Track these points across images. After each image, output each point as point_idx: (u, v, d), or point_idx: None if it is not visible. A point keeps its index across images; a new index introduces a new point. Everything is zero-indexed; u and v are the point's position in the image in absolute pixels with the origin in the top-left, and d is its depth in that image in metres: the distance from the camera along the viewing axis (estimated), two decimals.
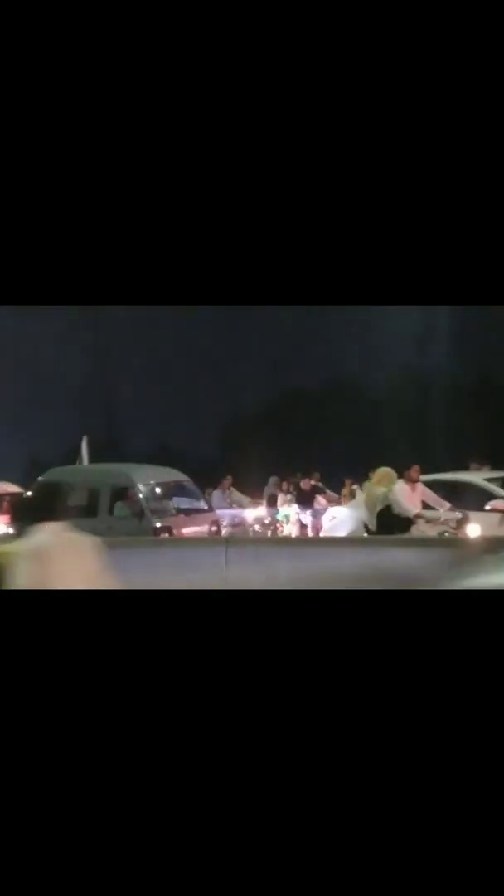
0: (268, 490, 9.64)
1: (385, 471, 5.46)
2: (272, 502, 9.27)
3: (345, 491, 9.29)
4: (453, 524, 5.53)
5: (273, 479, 9.88)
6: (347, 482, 9.53)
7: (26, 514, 6.31)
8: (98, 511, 7.01)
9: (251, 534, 8.14)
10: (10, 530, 7.67)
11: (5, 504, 9.55)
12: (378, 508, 5.25)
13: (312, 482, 9.28)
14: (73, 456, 9.87)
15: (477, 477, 7.41)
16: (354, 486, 9.38)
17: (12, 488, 10.23)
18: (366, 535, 5.48)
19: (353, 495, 9.11)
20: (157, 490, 7.17)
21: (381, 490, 5.30)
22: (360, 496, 8.44)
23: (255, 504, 9.11)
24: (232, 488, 9.21)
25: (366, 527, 5.50)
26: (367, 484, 6.11)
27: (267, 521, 8.67)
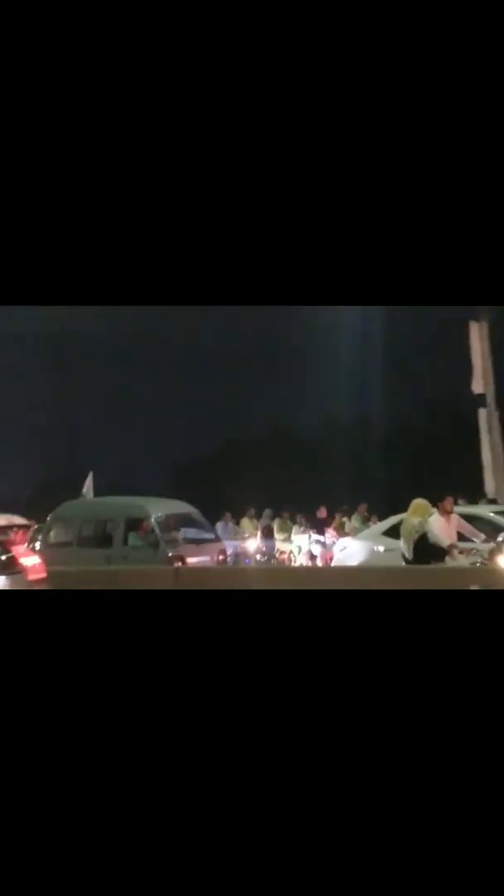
0: (263, 521, 9.81)
1: (420, 502, 5.60)
2: (268, 534, 9.45)
3: (335, 523, 9.45)
4: (486, 554, 5.63)
5: (268, 511, 10.08)
6: (338, 515, 9.70)
7: (44, 545, 6.44)
8: (113, 541, 7.20)
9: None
10: (31, 562, 7.90)
11: (19, 534, 9.85)
12: (414, 538, 5.41)
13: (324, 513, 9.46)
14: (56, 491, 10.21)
15: (485, 510, 7.49)
16: (344, 519, 9.54)
17: (18, 520, 10.49)
18: (403, 564, 5.61)
19: (342, 527, 9.28)
20: (170, 521, 7.35)
21: (417, 520, 5.45)
22: (364, 527, 8.58)
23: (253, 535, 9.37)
24: (231, 521, 9.51)
25: (403, 556, 5.65)
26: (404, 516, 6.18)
27: (263, 551, 8.93)
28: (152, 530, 6.92)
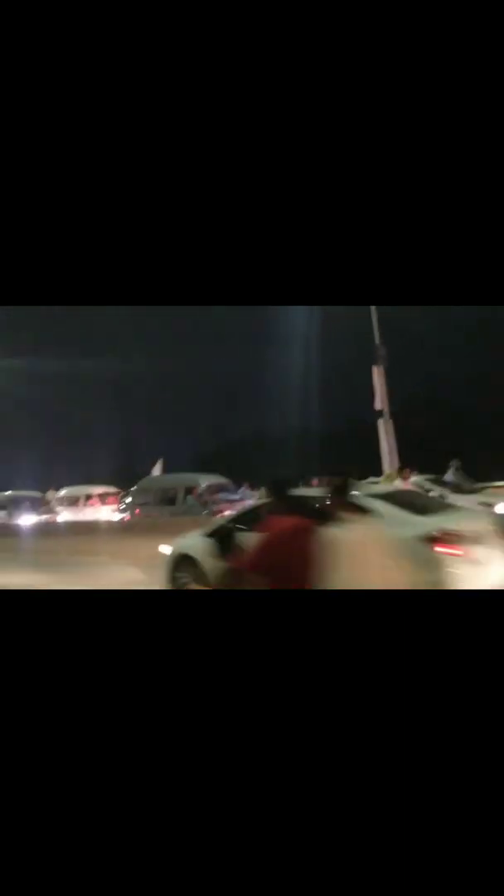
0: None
1: (391, 471, 8.96)
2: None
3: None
4: None
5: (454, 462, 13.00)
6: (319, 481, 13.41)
7: (129, 506, 12.02)
8: (176, 501, 11.40)
9: None
10: (117, 516, 12.59)
11: (110, 498, 15.03)
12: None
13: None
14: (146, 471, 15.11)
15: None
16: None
17: (112, 489, 15.67)
18: None
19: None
20: (211, 488, 11.46)
21: (389, 482, 8.56)
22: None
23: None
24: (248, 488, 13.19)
25: None
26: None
27: None
28: (201, 494, 11.06)
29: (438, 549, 3.77)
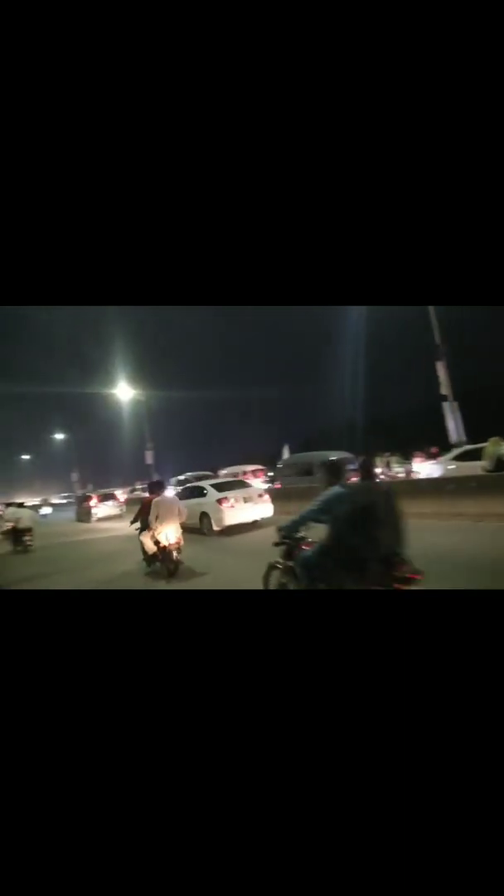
0: (385, 458, 16.87)
1: (496, 438, 10.66)
2: (387, 465, 16.60)
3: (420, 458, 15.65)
4: None
5: (386, 454, 16.97)
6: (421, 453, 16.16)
7: (279, 476, 16.83)
8: (314, 473, 15.12)
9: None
10: (267, 485, 17.86)
11: (259, 473, 20.09)
12: (494, 457, 10.10)
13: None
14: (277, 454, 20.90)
15: None
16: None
17: (260, 466, 21.32)
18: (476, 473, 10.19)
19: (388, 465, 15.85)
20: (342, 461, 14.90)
21: (495, 447, 10.24)
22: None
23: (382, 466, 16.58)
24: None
25: (483, 468, 10.26)
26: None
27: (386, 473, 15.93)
28: None
29: (221, 504, 10.79)
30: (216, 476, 19.94)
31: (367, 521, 2.74)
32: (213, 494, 11.02)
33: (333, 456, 15.10)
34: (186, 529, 7.95)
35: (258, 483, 18.54)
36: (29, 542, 12.94)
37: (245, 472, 20.23)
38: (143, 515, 7.60)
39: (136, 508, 8.02)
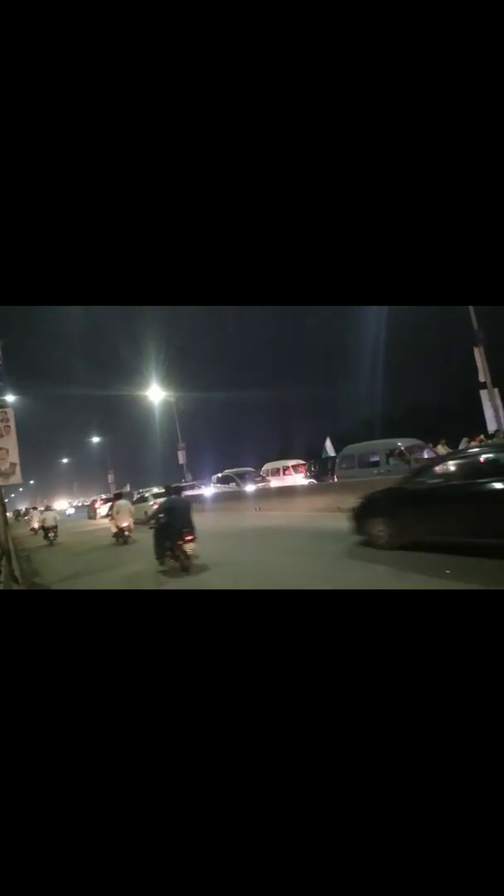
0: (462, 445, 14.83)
1: None
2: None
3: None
4: None
5: (464, 440, 14.86)
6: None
7: (338, 469, 14.72)
8: (380, 464, 13.07)
9: None
10: (307, 481, 17.10)
11: (301, 468, 18.57)
12: None
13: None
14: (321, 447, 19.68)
15: None
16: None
17: (300, 461, 20.57)
18: None
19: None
20: (411, 449, 12.85)
21: None
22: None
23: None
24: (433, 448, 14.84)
25: None
26: None
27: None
28: (402, 454, 12.52)
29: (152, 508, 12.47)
30: (256, 472, 20.18)
31: (173, 513, 7.52)
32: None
33: (403, 443, 13.01)
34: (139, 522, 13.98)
35: (300, 478, 18.29)
36: (53, 536, 16.31)
37: (287, 468, 19.80)
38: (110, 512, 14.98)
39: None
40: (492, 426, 13.54)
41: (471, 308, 13.42)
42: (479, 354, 13.66)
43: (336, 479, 14.32)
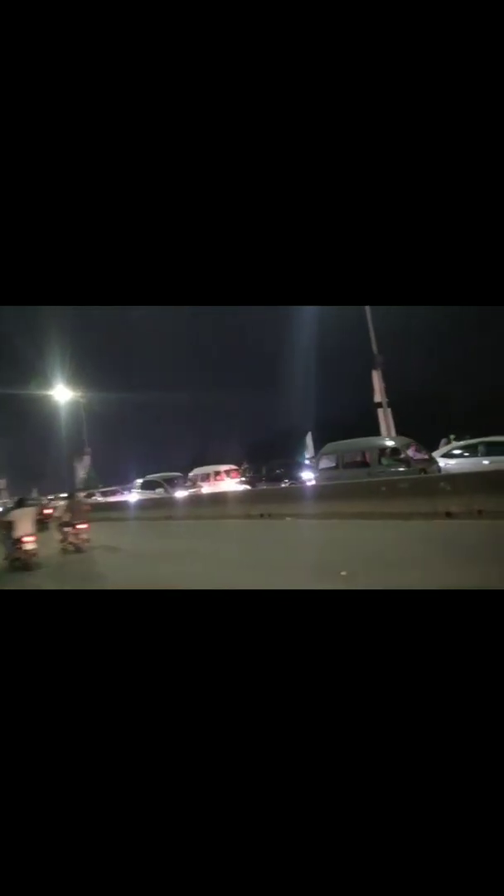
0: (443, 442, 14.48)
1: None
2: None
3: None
4: None
5: (443, 440, 14.48)
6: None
7: (316, 469, 12.91)
8: (370, 464, 11.75)
9: None
10: (241, 487, 15.83)
11: (233, 473, 17.97)
12: None
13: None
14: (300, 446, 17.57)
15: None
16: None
17: (232, 466, 18.64)
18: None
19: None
20: (404, 447, 11.81)
21: None
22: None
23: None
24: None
25: None
26: None
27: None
28: (396, 451, 11.40)
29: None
30: (185, 477, 18.77)
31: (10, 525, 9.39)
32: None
33: (384, 441, 11.90)
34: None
35: (233, 483, 17.35)
36: None
37: (219, 472, 18.29)
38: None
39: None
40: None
41: (371, 334, 15.13)
42: (376, 377, 15.33)
43: (315, 483, 12.67)
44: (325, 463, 12.45)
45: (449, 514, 8.24)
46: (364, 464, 11.87)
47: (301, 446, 18.75)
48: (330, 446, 12.66)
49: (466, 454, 11.72)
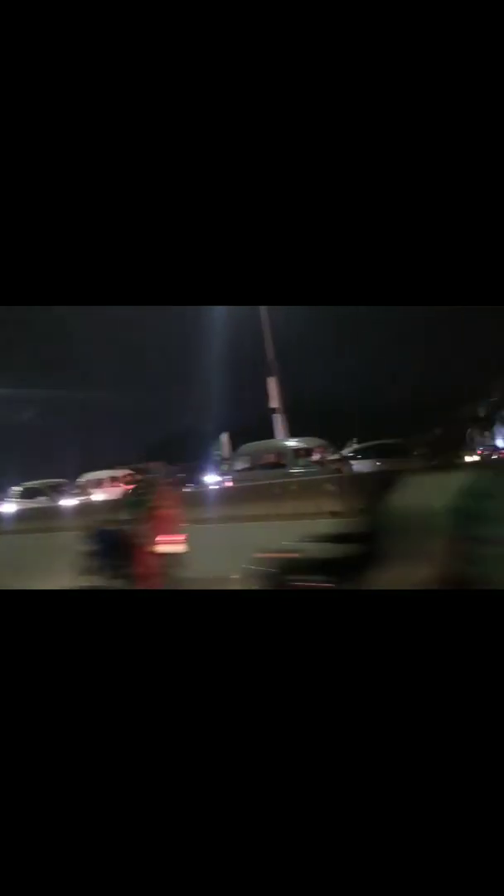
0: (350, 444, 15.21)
1: None
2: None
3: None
4: None
5: (350, 443, 15.15)
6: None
7: (231, 470, 12.87)
8: (287, 465, 11.69)
9: None
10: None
11: (128, 478, 16.71)
12: None
13: None
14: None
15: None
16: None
17: (127, 471, 17.08)
18: None
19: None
20: (317, 449, 12.00)
21: None
22: None
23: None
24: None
25: None
26: None
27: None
28: (310, 454, 11.54)
29: None
30: (72, 483, 17.12)
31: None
32: None
33: (298, 442, 12.02)
34: None
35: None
36: None
37: (114, 478, 16.21)
38: None
39: None
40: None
41: (268, 341, 15.30)
42: (272, 383, 15.48)
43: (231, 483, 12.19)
44: (241, 465, 12.13)
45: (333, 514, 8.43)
46: (280, 465, 11.78)
47: (216, 446, 17.85)
48: (246, 447, 12.36)
49: (360, 457, 12.30)
